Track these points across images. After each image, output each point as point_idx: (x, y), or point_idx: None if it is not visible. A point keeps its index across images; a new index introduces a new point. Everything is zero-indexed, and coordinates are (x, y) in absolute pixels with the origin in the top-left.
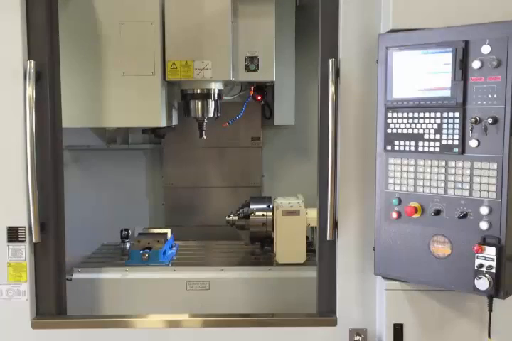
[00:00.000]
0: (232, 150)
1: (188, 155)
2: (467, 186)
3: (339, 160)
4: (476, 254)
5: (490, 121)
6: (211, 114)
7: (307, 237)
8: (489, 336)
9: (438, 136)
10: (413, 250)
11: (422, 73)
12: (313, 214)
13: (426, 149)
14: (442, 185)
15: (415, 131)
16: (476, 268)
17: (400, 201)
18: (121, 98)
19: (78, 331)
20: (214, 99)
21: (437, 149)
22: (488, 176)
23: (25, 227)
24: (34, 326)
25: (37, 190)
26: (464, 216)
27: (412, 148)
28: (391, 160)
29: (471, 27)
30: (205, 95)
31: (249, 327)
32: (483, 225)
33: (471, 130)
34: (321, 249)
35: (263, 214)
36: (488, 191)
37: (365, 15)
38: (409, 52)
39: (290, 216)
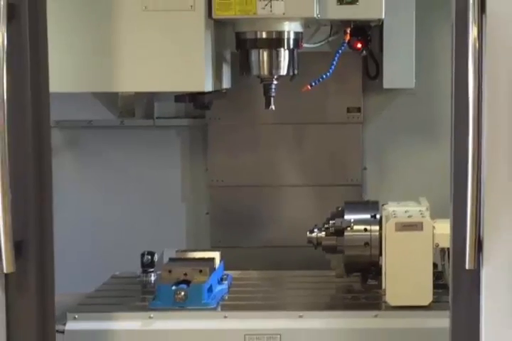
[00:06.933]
0: (317, 128)
1: (246, 137)
2: None
3: (485, 145)
4: None
5: None
6: (284, 71)
7: (434, 265)
8: None
9: None
10: None
11: None
12: (443, 228)
13: None
14: None
15: None
16: None
17: None
18: (143, 47)
19: None
20: (288, 48)
21: None
22: None
23: None
24: None
25: (10, 191)
26: None
27: None
28: None
29: None
30: (275, 42)
31: None
32: None
33: None
34: (456, 284)
35: (365, 229)
36: None
37: None
38: None
39: (408, 231)
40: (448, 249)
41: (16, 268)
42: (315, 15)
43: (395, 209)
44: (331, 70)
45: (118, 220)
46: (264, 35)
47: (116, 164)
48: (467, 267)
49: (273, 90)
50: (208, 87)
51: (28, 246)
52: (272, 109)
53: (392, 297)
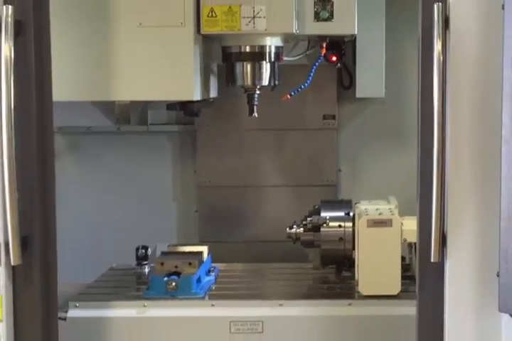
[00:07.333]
0: (296, 133)
1: (232, 142)
2: None
3: (448, 149)
4: None
5: None
6: (265, 81)
7: (403, 258)
8: None
9: None
10: None
11: None
12: (411, 225)
13: None
14: None
15: None
16: None
17: None
18: (137, 59)
19: None
20: (270, 61)
21: None
22: None
23: None
24: None
25: (16, 191)
26: None
27: None
28: None
29: None
30: (257, 55)
31: None
32: None
33: None
34: (422, 276)
35: (340, 225)
36: None
37: None
38: None
39: (378, 227)
40: (415, 243)
41: (22, 261)
42: (294, 31)
43: (367, 208)
44: (308, 81)
45: (115, 218)
46: (247, 49)
47: (113, 167)
48: (432, 260)
49: (256, 99)
50: (196, 96)
51: (34, 241)
52: (255, 116)
53: (364, 287)
